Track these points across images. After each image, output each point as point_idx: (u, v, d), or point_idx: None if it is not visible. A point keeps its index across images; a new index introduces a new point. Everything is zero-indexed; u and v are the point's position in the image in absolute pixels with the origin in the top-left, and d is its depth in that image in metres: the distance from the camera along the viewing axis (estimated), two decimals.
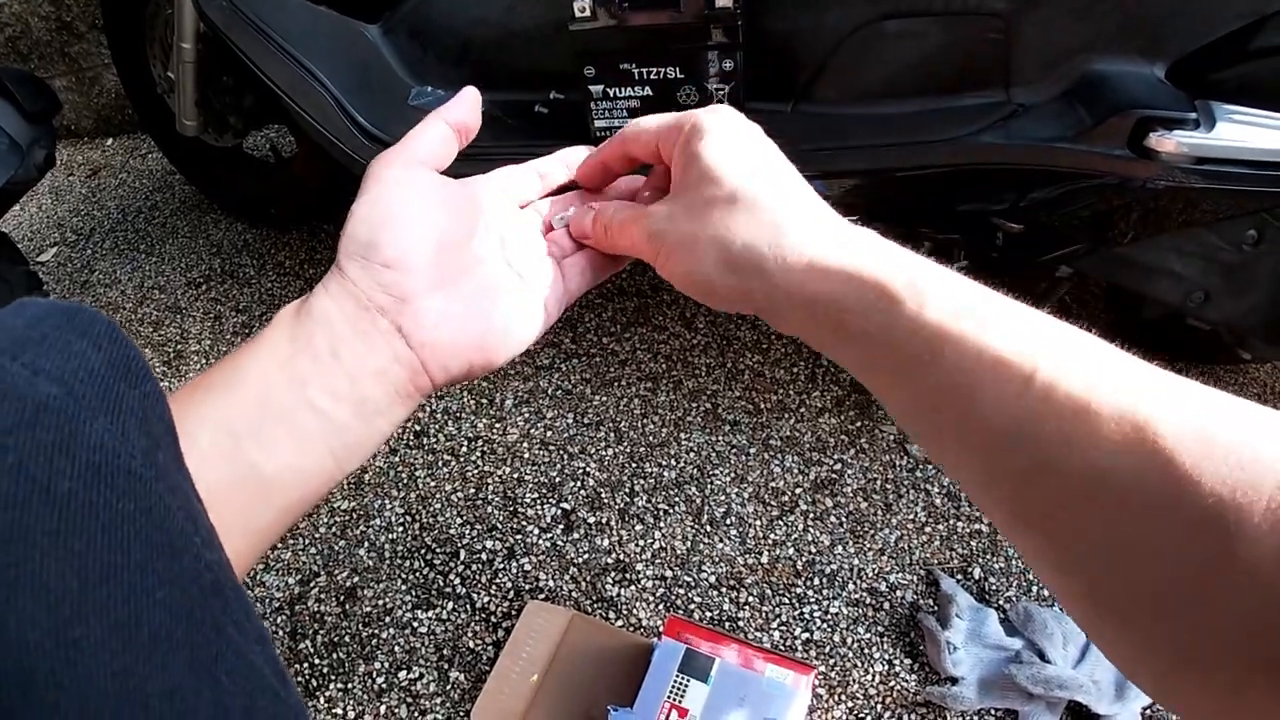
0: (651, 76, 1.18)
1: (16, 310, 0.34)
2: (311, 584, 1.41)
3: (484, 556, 1.43)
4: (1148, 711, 1.25)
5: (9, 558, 0.27)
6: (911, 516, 1.49)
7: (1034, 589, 1.40)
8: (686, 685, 1.19)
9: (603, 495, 1.52)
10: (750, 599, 1.37)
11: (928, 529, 1.48)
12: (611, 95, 1.21)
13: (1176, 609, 0.34)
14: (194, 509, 0.35)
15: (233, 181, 2.23)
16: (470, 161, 1.37)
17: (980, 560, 1.43)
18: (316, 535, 1.47)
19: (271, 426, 0.46)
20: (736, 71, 1.15)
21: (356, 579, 1.41)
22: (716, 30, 1.13)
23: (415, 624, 1.36)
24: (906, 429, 0.45)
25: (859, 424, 1.64)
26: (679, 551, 1.43)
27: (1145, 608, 0.35)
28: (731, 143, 0.49)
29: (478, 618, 1.36)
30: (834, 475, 1.55)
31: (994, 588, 1.40)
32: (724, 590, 1.38)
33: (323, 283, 0.50)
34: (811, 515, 1.49)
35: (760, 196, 0.47)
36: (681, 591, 1.38)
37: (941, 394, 0.40)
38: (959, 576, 1.41)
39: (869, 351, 0.43)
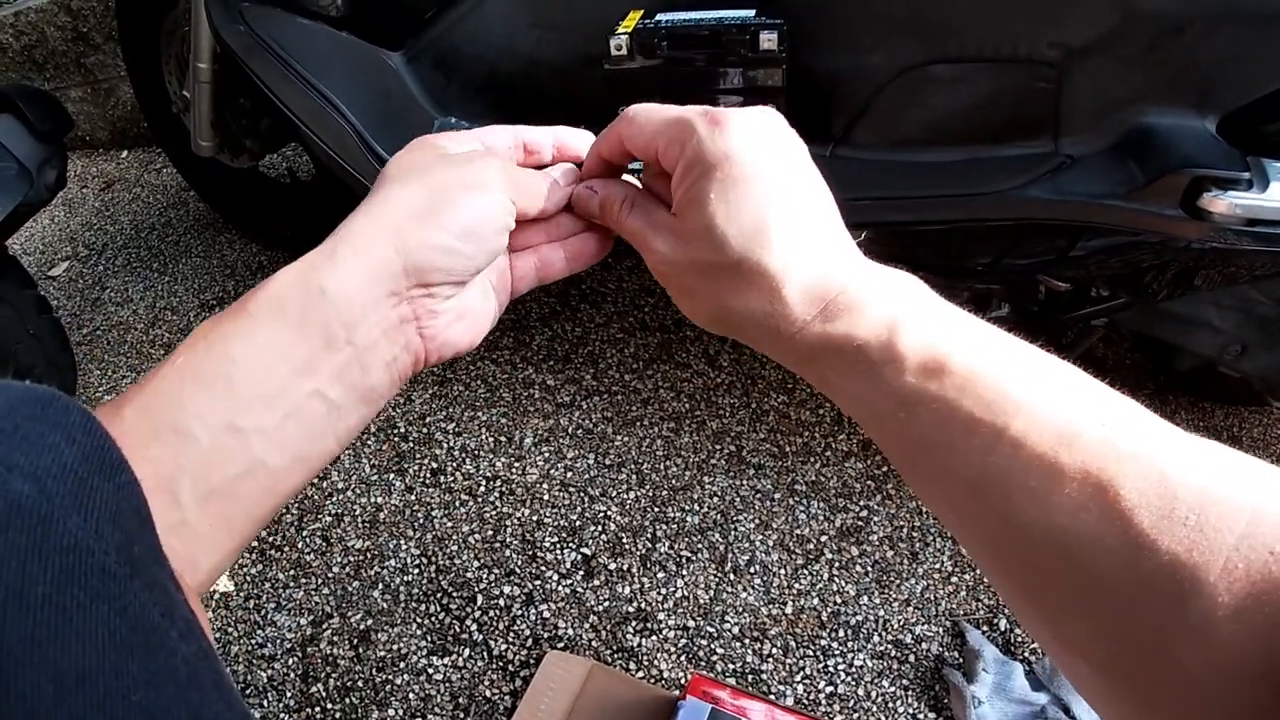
0: None
1: None
2: (324, 625, 1.38)
3: (502, 602, 1.40)
4: None
5: None
6: (938, 566, 1.46)
7: None
8: None
9: (624, 540, 1.48)
10: (774, 651, 1.34)
11: (954, 579, 1.45)
12: None
13: (1137, 660, 0.36)
14: (171, 601, 0.35)
15: (247, 202, 2.20)
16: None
17: (1006, 611, 1.40)
18: (330, 575, 1.44)
19: (281, 421, 0.44)
20: None
21: (370, 621, 1.38)
22: (759, 74, 1.10)
23: (431, 670, 1.32)
24: (900, 472, 0.47)
25: (885, 469, 1.60)
26: (702, 601, 1.40)
27: (1113, 656, 0.37)
28: (740, 190, 0.45)
29: (495, 666, 1.32)
30: (860, 522, 1.52)
31: (1020, 640, 1.37)
32: (747, 641, 1.35)
33: (338, 259, 0.46)
34: (837, 564, 1.46)
35: (762, 264, 0.45)
36: (704, 642, 1.35)
37: (918, 450, 0.43)
38: (985, 628, 1.38)
39: (851, 407, 0.46)
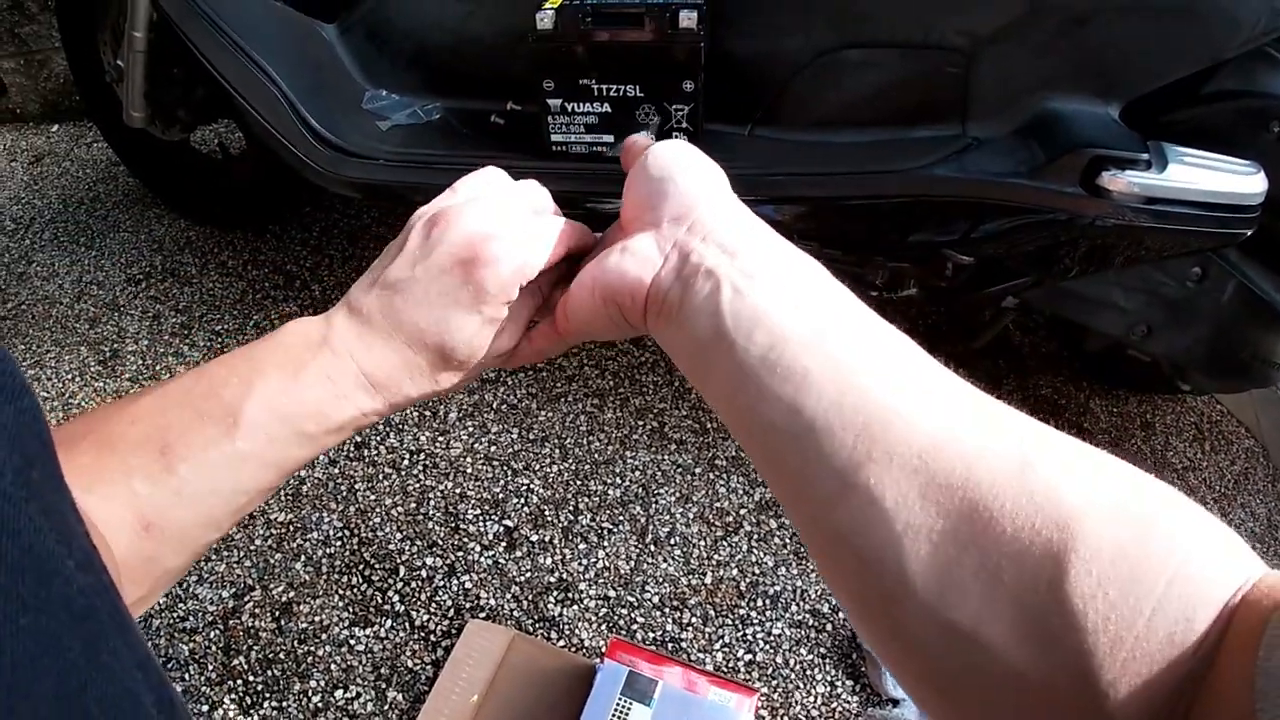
0: (611, 93, 1.18)
1: None
2: (246, 598, 1.38)
3: (424, 573, 1.41)
4: None
5: None
6: None
7: None
8: (629, 708, 1.18)
9: (546, 513, 1.50)
10: (694, 620, 1.37)
11: None
12: (570, 110, 1.20)
13: None
14: (70, 529, 0.34)
15: (178, 176, 2.18)
16: (421, 169, 1.36)
17: None
18: (252, 548, 1.44)
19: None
20: (697, 93, 1.15)
21: (292, 594, 1.38)
22: (679, 50, 1.12)
23: (353, 641, 1.33)
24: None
25: None
26: (622, 571, 1.42)
27: None
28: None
29: (416, 636, 1.34)
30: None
31: None
32: (667, 611, 1.38)
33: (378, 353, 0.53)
34: (755, 536, 1.49)
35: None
36: (624, 612, 1.37)
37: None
38: None
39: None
